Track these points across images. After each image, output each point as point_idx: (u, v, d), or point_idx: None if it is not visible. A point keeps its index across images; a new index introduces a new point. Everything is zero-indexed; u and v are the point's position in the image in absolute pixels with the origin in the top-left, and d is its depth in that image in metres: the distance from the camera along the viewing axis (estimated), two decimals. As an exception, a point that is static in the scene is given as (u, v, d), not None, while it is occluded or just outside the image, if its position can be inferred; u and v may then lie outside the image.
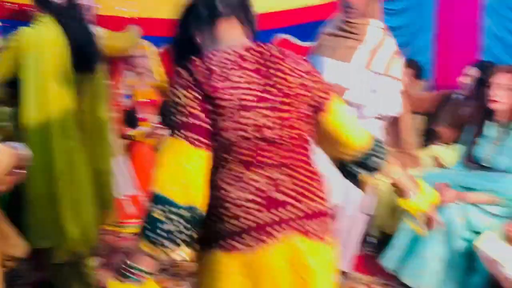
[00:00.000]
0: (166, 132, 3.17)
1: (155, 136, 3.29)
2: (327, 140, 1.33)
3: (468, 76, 3.16)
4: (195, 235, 1.13)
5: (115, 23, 3.57)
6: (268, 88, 1.17)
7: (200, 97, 1.12)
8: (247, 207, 1.15)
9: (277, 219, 1.16)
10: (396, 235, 2.51)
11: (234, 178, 1.16)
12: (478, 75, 3.07)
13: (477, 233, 2.25)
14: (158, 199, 1.08)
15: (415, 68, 3.53)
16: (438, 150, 3.09)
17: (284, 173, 1.19)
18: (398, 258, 2.45)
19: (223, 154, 1.15)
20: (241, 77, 1.15)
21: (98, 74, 2.22)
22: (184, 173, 1.09)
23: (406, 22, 3.99)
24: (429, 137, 3.23)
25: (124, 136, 3.29)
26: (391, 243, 2.52)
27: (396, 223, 2.62)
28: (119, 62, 3.44)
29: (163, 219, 1.07)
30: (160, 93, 3.47)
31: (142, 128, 3.31)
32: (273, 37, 4.16)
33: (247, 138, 1.14)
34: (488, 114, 2.42)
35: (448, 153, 3.01)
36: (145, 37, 3.50)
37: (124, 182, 3.00)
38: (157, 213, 1.07)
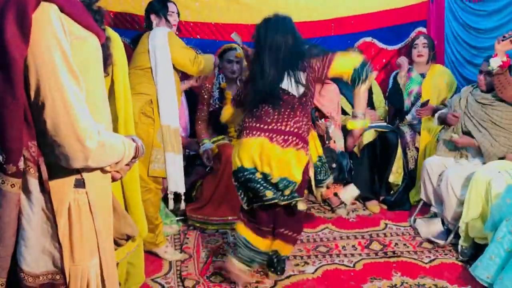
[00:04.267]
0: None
1: None
2: None
3: None
4: None
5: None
6: None
7: None
8: None
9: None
10: (491, 245, 2.46)
11: None
12: None
13: None
14: None
15: None
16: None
17: None
18: (492, 270, 2.40)
19: None
20: None
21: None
22: None
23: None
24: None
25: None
26: (484, 254, 2.47)
27: (488, 234, 2.56)
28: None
29: None
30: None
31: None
32: (358, 40, 4.16)
33: None
34: None
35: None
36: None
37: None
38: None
